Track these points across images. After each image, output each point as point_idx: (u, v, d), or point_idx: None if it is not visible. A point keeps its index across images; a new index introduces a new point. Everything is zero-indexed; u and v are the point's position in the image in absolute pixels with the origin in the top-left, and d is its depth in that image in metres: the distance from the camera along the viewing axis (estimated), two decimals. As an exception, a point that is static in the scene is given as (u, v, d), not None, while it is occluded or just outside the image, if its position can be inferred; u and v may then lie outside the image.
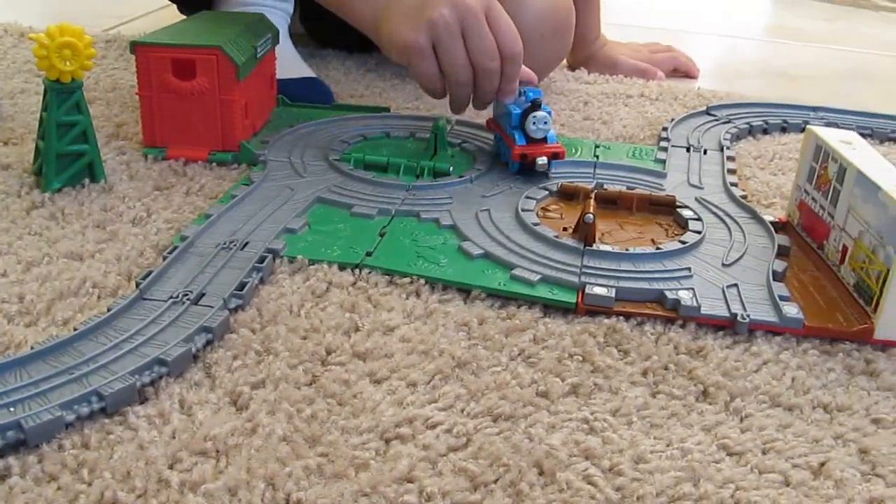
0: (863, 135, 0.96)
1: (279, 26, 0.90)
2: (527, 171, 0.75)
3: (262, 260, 0.57)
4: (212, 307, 0.51)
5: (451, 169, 0.74)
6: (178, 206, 0.67)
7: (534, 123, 0.73)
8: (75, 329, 0.48)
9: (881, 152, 0.91)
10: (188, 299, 0.52)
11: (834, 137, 0.65)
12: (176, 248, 0.58)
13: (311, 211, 0.66)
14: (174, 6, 1.14)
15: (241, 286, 0.54)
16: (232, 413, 0.45)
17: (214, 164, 0.75)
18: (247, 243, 0.60)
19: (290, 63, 0.94)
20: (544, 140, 0.75)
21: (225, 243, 0.59)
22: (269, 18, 0.87)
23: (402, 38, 0.72)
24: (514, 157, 0.75)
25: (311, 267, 0.58)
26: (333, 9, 0.83)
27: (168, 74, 0.73)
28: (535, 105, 0.74)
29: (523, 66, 0.76)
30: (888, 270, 0.54)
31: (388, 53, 0.77)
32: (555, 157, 0.75)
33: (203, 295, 0.53)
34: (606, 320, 0.55)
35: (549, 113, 0.74)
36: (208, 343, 0.49)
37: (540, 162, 0.74)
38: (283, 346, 0.50)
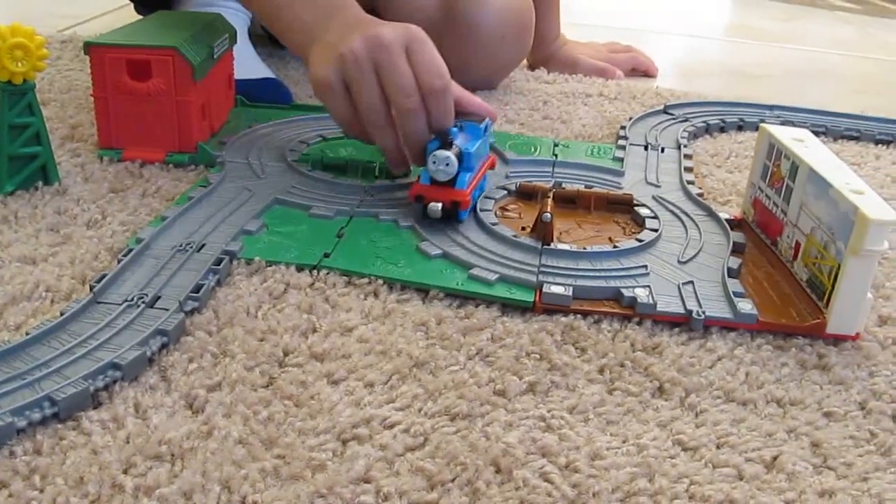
0: (817, 133, 0.98)
1: (238, 27, 0.90)
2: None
3: (218, 262, 0.57)
4: (167, 310, 0.51)
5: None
6: (133, 208, 0.66)
7: (434, 163, 0.63)
8: (27, 333, 0.48)
9: (834, 150, 0.92)
10: (143, 302, 0.51)
11: (787, 135, 0.66)
12: (131, 250, 0.57)
13: (269, 212, 0.66)
14: (132, 6, 1.12)
15: (197, 288, 0.54)
16: (188, 416, 0.44)
17: (171, 165, 0.74)
18: (203, 245, 0.59)
19: (248, 63, 0.94)
20: (451, 183, 0.64)
21: (181, 245, 0.59)
22: (229, 19, 0.86)
23: (314, 74, 0.68)
24: (409, 195, 0.66)
25: (269, 268, 0.58)
26: (272, 30, 0.79)
27: (123, 75, 0.72)
28: (444, 141, 0.64)
29: (480, 101, 0.71)
30: (839, 266, 0.55)
31: None
32: (454, 205, 0.64)
33: (158, 298, 0.52)
34: (564, 318, 0.55)
35: (468, 154, 0.63)
36: (164, 346, 0.49)
37: (431, 207, 0.64)
38: (239, 347, 0.50)
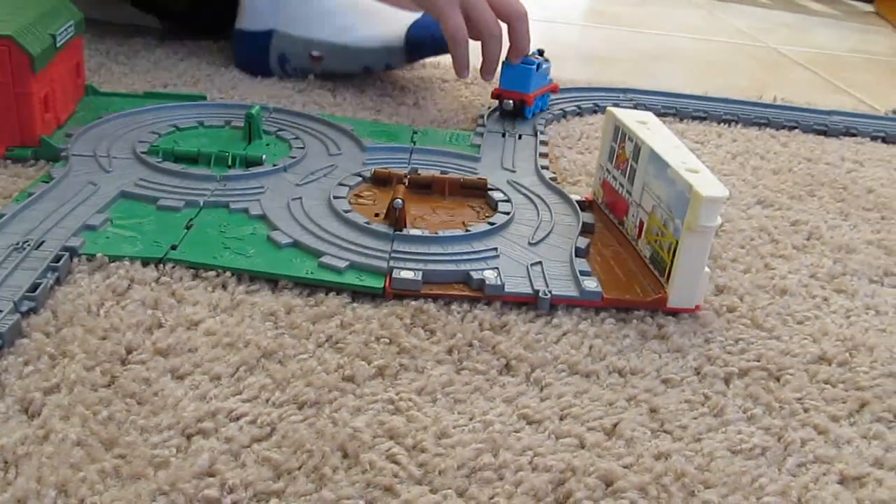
0: (667, 114, 1.02)
1: None
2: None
3: (57, 259, 0.55)
4: (1, 311, 0.49)
5: (265, 158, 0.73)
6: (-32, 207, 0.63)
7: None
8: None
9: (682, 130, 0.97)
10: (-26, 305, 0.49)
11: (631, 118, 0.68)
12: (-37, 251, 0.55)
13: (115, 206, 0.64)
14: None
15: (34, 288, 0.51)
16: (22, 421, 0.43)
17: (11, 161, 0.71)
18: (42, 242, 0.57)
19: None
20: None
21: (18, 244, 0.56)
22: None
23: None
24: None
25: (112, 264, 0.56)
26: None
27: (-47, 67, 0.68)
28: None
29: None
30: (677, 242, 0.57)
31: None
32: (522, 103, 0.91)
33: (-8, 299, 0.50)
34: (414, 302, 0.55)
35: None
36: (-3, 350, 0.47)
37: (506, 103, 0.92)
38: (79, 347, 0.48)
